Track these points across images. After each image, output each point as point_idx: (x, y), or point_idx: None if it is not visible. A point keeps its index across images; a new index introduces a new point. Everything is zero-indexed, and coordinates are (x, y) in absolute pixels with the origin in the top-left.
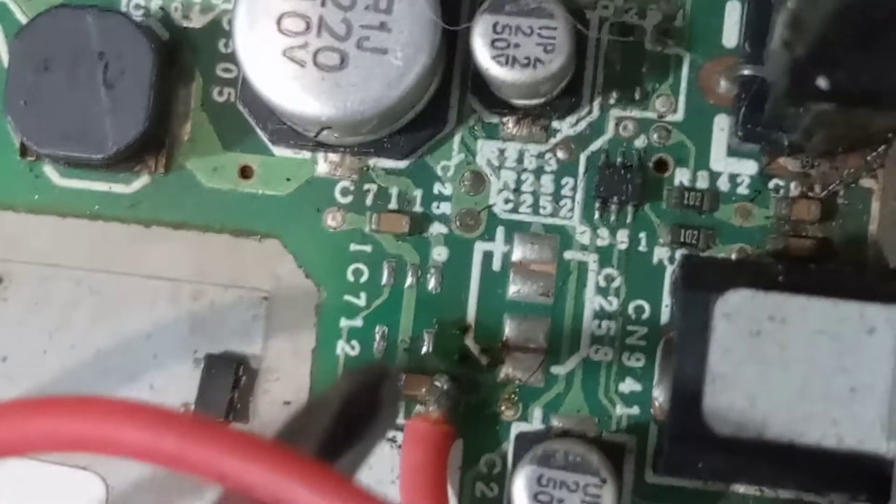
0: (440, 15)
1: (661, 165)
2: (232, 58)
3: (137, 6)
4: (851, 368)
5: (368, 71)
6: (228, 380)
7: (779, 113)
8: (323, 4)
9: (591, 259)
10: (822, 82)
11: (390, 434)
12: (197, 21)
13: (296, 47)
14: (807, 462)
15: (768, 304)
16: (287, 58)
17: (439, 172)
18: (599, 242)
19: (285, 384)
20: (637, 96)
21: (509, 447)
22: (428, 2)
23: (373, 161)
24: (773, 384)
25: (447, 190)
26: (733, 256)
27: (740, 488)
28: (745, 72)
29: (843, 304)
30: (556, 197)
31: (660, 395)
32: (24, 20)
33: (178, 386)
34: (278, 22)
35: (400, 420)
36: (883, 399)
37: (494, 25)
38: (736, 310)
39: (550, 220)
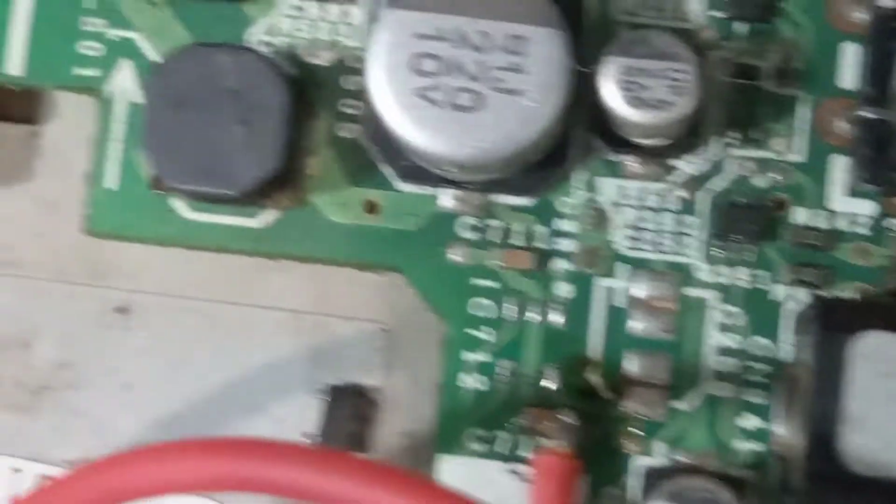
0: (573, 56)
1: (781, 204)
2: (356, 94)
3: (264, 43)
4: None
5: (502, 112)
6: (349, 411)
7: None
8: (458, 45)
9: (712, 296)
10: None
11: (515, 467)
12: (323, 58)
13: (430, 87)
14: None
15: None
16: (421, 98)
17: (562, 210)
18: (720, 280)
19: (407, 415)
20: (757, 136)
21: (633, 481)
22: (562, 44)
23: (497, 198)
24: None
25: (570, 227)
26: (855, 295)
27: None
28: (866, 114)
29: None
30: (678, 235)
31: (781, 431)
32: (151, 54)
33: (299, 417)
34: (413, 62)
35: (524, 453)
36: None
37: (624, 67)
38: (871, 351)
39: (671, 258)
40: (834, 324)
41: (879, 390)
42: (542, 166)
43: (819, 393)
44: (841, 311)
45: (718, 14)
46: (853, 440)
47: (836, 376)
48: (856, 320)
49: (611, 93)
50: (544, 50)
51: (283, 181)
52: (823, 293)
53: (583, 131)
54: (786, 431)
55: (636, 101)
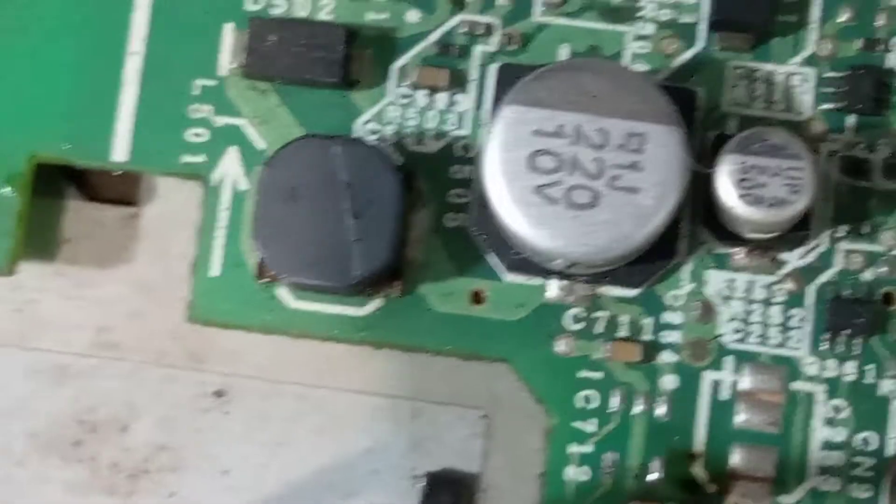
0: (690, 155)
1: (889, 298)
2: (463, 183)
3: (372, 131)
4: None
5: (619, 210)
6: (449, 498)
7: None
8: (576, 143)
9: (820, 390)
10: None
11: None
12: (430, 146)
13: (548, 185)
14: None
15: None
16: (539, 195)
17: (669, 301)
18: (827, 374)
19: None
20: (866, 230)
21: None
22: (679, 141)
23: (603, 289)
24: None
25: (677, 319)
26: None
27: None
28: None
29: None
30: (785, 328)
31: None
32: (261, 144)
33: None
34: (531, 159)
35: None
36: None
37: (742, 164)
38: None
39: (778, 351)
40: None
41: None
42: (650, 257)
43: None
44: None
45: (829, 106)
46: None
47: None
48: None
49: (727, 191)
50: (662, 148)
51: (393, 271)
52: None
53: (691, 223)
54: None
55: (753, 200)
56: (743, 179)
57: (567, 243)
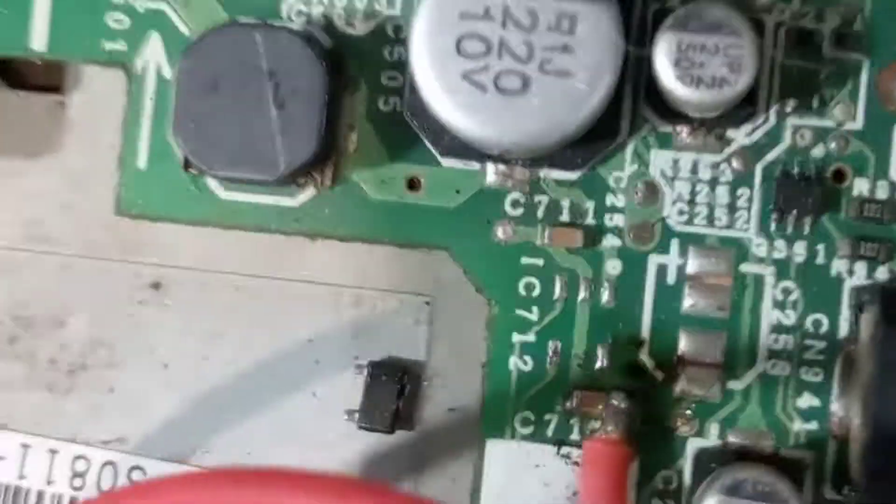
0: (624, 35)
1: (840, 175)
2: (397, 65)
3: (299, 13)
4: None
5: (551, 95)
6: (393, 388)
7: None
8: (504, 26)
9: (768, 272)
10: None
11: (564, 450)
12: (361, 28)
13: (476, 70)
14: None
15: None
16: (467, 81)
17: (612, 184)
18: (776, 255)
19: (451, 392)
20: (815, 104)
21: (686, 463)
22: (613, 22)
23: (544, 172)
24: None
25: (620, 202)
26: None
27: None
28: None
29: None
30: (732, 208)
31: (839, 411)
32: (184, 30)
33: (341, 394)
34: (458, 44)
35: (576, 437)
36: None
37: (678, 44)
38: None
39: (726, 233)
40: None
41: None
42: (591, 139)
43: (883, 390)
44: None
45: None
46: None
47: None
48: None
49: (665, 72)
50: (594, 28)
51: (321, 160)
52: (879, 279)
53: (633, 102)
54: (844, 411)
55: (691, 80)
56: (680, 59)
57: (497, 131)
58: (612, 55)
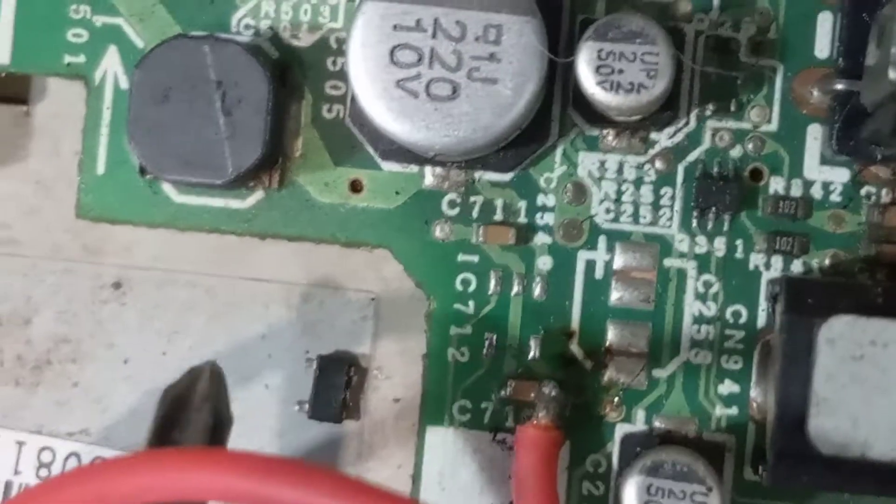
0: (546, 44)
1: (757, 174)
2: (340, 75)
3: (247, 26)
4: None
5: (479, 101)
6: (341, 379)
7: (880, 140)
8: (434, 36)
9: (690, 266)
10: None
11: (499, 436)
12: (305, 39)
13: (409, 78)
14: None
15: (869, 329)
16: (401, 89)
17: (542, 184)
18: (698, 250)
19: (395, 383)
20: (732, 108)
21: (614, 448)
22: (536, 32)
23: (478, 174)
24: (876, 406)
25: (550, 201)
26: (827, 262)
27: None
28: (840, 86)
29: None
30: (656, 206)
31: (757, 396)
32: (139, 42)
33: (292, 385)
34: (391, 54)
35: (511, 424)
36: None
37: (599, 52)
38: (839, 335)
39: (650, 229)
40: (802, 308)
41: (846, 373)
42: (522, 142)
43: (787, 376)
44: (809, 296)
45: None
46: (820, 422)
47: (805, 360)
48: (824, 305)
49: (587, 78)
50: (519, 38)
51: (268, 164)
52: (793, 272)
53: (561, 107)
54: (762, 396)
55: (611, 86)
56: (601, 66)
57: (429, 135)
58: (535, 63)
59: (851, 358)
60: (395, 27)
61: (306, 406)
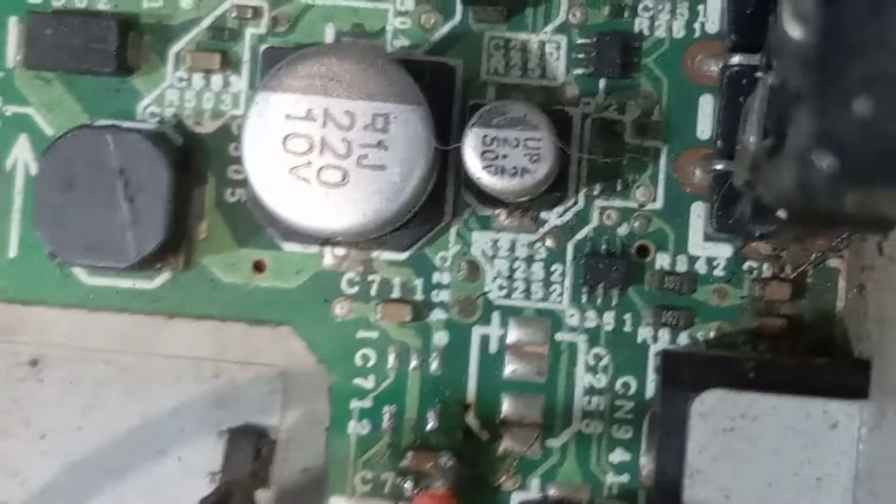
0: (433, 132)
1: (643, 251)
2: (240, 160)
3: (153, 114)
4: (817, 461)
5: (368, 186)
6: (250, 450)
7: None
8: (325, 125)
9: (581, 339)
10: (782, 213)
11: None
12: (208, 126)
13: (301, 166)
14: None
15: (740, 402)
16: (293, 176)
17: (438, 263)
18: (588, 324)
19: (303, 453)
20: (619, 187)
21: None
22: (422, 121)
23: (376, 254)
24: (746, 477)
25: (445, 279)
26: (712, 335)
27: None
28: (718, 167)
29: (808, 402)
30: (547, 283)
31: (647, 464)
32: (48, 130)
33: (203, 457)
34: (284, 143)
35: (410, 494)
36: (847, 487)
37: (484, 138)
38: (711, 409)
39: (542, 305)
40: (677, 383)
41: (717, 446)
42: (418, 222)
43: (664, 447)
44: (684, 370)
45: (581, 71)
46: (695, 493)
47: (679, 431)
48: (697, 379)
49: (473, 163)
50: (405, 126)
51: (173, 246)
52: (679, 345)
53: (455, 188)
54: (651, 465)
55: (496, 170)
56: (486, 151)
57: (321, 220)
58: (422, 150)
59: (723, 431)
60: (287, 116)
61: (217, 476)
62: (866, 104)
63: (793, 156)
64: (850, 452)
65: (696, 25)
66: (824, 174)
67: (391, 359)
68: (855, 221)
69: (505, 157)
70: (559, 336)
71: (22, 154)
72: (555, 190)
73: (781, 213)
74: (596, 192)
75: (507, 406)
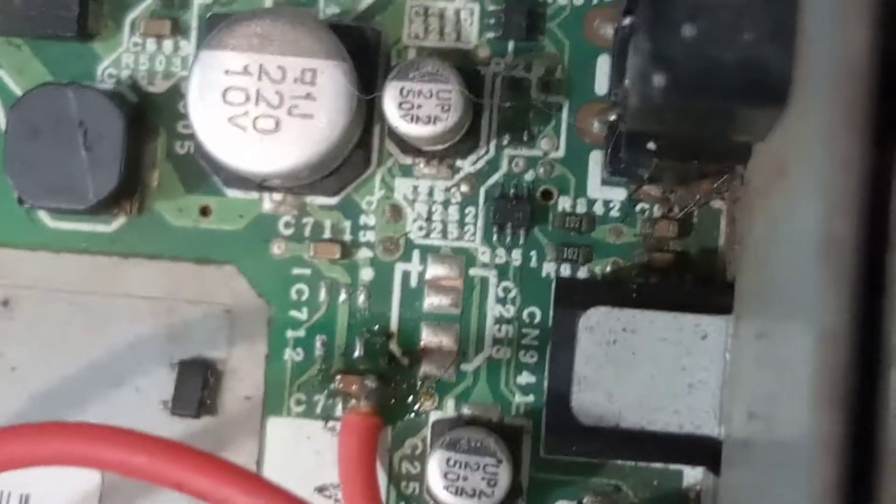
0: (356, 84)
1: (547, 195)
2: (188, 116)
3: (110, 75)
4: (690, 368)
5: (298, 133)
6: (199, 381)
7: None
8: (259, 79)
9: (492, 275)
10: (651, 145)
11: (330, 424)
12: (160, 86)
13: (238, 115)
14: (656, 443)
15: (622, 317)
16: (232, 124)
17: (364, 206)
18: (498, 261)
19: (246, 383)
20: (526, 138)
21: (428, 432)
22: (346, 75)
23: (309, 199)
24: (627, 383)
25: (371, 221)
26: (608, 269)
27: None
28: (611, 118)
29: (682, 317)
30: (461, 224)
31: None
32: (17, 91)
33: (157, 387)
34: (223, 95)
35: (339, 413)
36: (715, 392)
37: (401, 90)
38: (596, 323)
39: (457, 244)
40: (567, 302)
41: (602, 355)
42: (346, 170)
43: (555, 360)
44: (573, 291)
45: (491, 35)
46: (582, 397)
47: (569, 345)
48: (585, 298)
49: (391, 112)
50: (331, 80)
51: (129, 193)
52: (568, 276)
53: (379, 140)
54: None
55: (411, 118)
56: (403, 102)
57: (256, 164)
58: (346, 101)
59: (607, 343)
60: (226, 72)
61: (169, 404)
62: (691, 29)
63: (634, 78)
64: (718, 361)
65: None
66: (659, 88)
67: (322, 293)
68: (715, 150)
69: (419, 106)
70: (472, 271)
71: None
72: (468, 140)
73: (651, 145)
74: (505, 143)
75: (425, 334)
